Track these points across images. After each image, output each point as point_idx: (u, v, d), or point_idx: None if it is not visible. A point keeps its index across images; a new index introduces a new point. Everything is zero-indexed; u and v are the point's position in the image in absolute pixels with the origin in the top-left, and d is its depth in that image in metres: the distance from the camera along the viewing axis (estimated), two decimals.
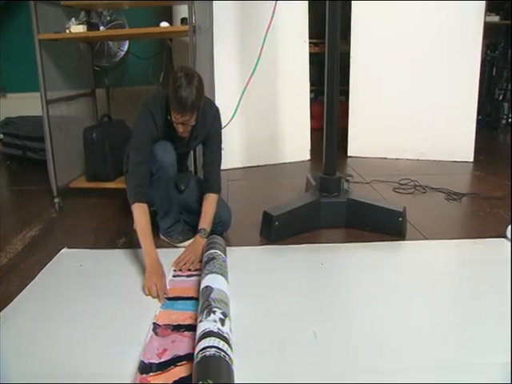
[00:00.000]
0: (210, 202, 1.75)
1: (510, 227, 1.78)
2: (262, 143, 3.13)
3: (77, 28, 2.15)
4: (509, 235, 1.78)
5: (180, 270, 1.58)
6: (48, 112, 2.24)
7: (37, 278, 1.58)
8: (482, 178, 2.78)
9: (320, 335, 1.21)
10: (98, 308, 1.38)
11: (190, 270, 1.59)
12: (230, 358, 0.98)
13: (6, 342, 1.21)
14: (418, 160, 3.20)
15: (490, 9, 3.48)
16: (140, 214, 1.57)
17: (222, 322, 1.09)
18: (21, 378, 1.07)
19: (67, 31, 2.17)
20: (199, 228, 1.70)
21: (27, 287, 1.51)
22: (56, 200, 2.33)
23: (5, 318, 1.32)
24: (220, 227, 1.83)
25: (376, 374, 1.07)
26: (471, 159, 3.10)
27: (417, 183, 2.56)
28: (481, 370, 1.07)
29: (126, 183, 1.73)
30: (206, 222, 1.71)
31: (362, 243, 1.82)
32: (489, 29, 3.40)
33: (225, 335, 1.04)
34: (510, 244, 1.73)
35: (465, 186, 2.61)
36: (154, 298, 1.42)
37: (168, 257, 1.64)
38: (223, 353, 0.97)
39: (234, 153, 2.99)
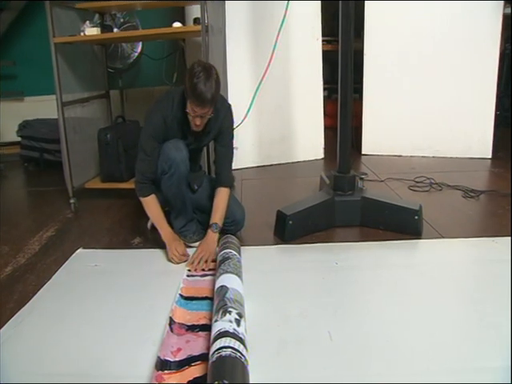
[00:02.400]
0: (221, 197, 1.74)
1: None
2: (275, 142, 3.12)
3: (91, 30, 2.17)
4: None
5: (195, 271, 1.59)
6: (63, 114, 2.27)
7: (53, 278, 1.60)
8: (501, 175, 2.71)
9: (335, 336, 1.20)
10: (112, 308, 1.39)
11: (203, 270, 1.59)
12: (246, 359, 0.97)
13: (23, 341, 1.23)
14: (433, 157, 3.14)
15: (508, 0, 3.37)
16: (147, 204, 1.72)
17: (238, 322, 1.09)
18: (36, 378, 1.08)
19: (82, 34, 2.20)
20: (211, 223, 1.70)
21: (43, 287, 1.53)
22: (72, 201, 2.36)
23: (22, 318, 1.34)
24: (233, 227, 1.83)
25: (391, 376, 1.05)
26: (489, 156, 3.03)
27: (432, 181, 2.51)
28: (497, 373, 1.04)
29: None
30: (217, 216, 1.71)
31: (377, 242, 1.80)
32: (507, 21, 3.31)
33: (240, 336, 1.04)
34: None
35: (483, 184, 2.55)
36: (177, 263, 1.64)
37: None
38: (239, 353, 0.97)
39: (247, 152, 2.98)
